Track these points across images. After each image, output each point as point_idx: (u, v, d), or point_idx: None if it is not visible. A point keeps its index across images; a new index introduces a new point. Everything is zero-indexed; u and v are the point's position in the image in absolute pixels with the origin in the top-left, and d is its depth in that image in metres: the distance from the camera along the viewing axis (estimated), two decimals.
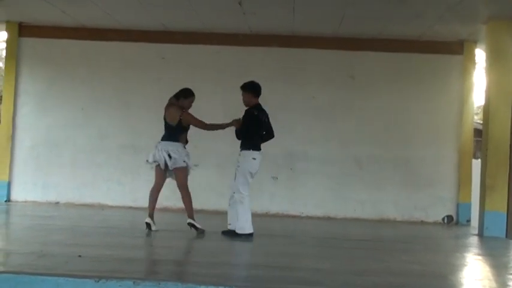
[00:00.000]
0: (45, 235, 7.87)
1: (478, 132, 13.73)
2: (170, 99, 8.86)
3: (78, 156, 12.23)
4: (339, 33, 11.71)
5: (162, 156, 8.56)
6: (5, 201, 12.06)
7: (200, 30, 12.00)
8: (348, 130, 12.05)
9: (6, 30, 12.38)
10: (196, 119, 8.72)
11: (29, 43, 12.35)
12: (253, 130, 8.49)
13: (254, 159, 8.43)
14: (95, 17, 11.48)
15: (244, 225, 8.40)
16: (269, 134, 8.81)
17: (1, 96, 14.30)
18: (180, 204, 11.11)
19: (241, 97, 8.71)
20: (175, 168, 8.59)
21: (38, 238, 7.57)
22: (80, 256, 6.16)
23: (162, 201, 11.59)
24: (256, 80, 8.29)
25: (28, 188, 12.22)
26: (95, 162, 12.20)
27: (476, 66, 12.35)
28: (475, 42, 11.93)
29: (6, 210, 11.10)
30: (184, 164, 8.61)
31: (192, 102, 8.84)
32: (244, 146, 8.47)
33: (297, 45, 12.08)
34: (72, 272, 5.29)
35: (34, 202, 12.09)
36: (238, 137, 8.59)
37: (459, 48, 12.02)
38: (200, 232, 8.57)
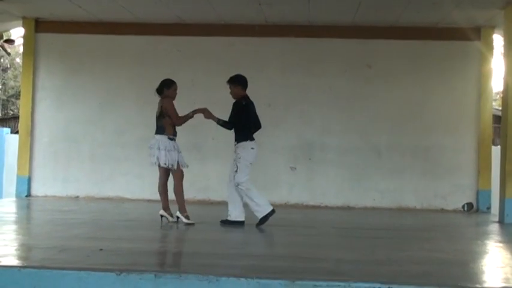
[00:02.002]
0: (66, 229, 7.91)
1: (497, 119, 13.61)
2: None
3: (97, 151, 12.27)
4: (356, 22, 11.65)
5: (154, 154, 8.50)
6: (26, 196, 12.15)
7: (216, 22, 11.97)
8: (366, 119, 11.99)
9: (23, 26, 12.44)
10: (173, 109, 8.56)
11: (46, 39, 12.39)
12: (245, 120, 8.53)
13: (253, 148, 8.54)
14: (110, 11, 11.51)
15: (264, 208, 8.47)
16: (256, 125, 8.80)
17: (19, 92, 14.37)
18: (199, 196, 11.19)
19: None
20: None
21: (59, 232, 7.61)
22: (101, 250, 6.19)
23: None
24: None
25: (48, 183, 12.30)
26: (114, 156, 12.22)
27: (494, 51, 12.21)
28: (492, 28, 11.79)
29: (27, 205, 11.20)
30: (165, 165, 8.50)
31: (176, 89, 8.72)
32: (241, 138, 8.54)
33: (313, 35, 12.02)
34: (94, 266, 5.31)
35: (54, 197, 12.18)
36: (229, 128, 8.63)
37: (477, 34, 11.88)
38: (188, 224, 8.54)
